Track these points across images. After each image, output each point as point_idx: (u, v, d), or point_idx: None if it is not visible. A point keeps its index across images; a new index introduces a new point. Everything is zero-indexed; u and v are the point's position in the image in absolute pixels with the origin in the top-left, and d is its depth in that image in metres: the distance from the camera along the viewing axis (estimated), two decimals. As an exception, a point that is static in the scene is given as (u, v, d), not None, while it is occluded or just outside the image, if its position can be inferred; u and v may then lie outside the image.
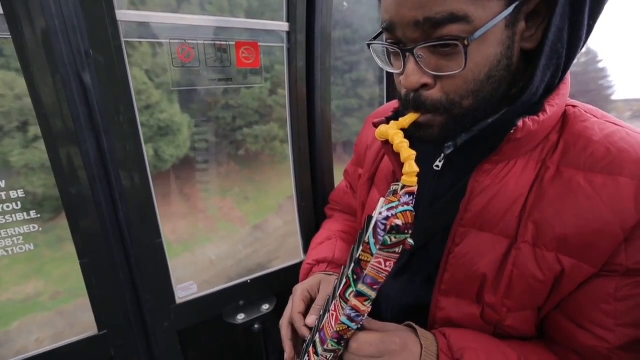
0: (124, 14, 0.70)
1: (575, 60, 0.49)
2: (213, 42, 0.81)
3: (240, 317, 1.01)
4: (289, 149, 1.05)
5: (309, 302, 0.65)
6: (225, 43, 0.83)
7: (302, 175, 1.08)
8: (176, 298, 0.92)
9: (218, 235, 1.08)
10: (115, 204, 0.81)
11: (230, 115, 0.96)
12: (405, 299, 0.60)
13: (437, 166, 0.57)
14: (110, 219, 0.80)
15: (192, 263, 1.03)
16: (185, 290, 0.93)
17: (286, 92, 0.99)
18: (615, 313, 0.45)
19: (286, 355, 0.62)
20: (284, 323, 0.65)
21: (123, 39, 0.71)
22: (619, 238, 0.43)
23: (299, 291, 0.66)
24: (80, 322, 0.83)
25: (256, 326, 1.03)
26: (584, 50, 0.49)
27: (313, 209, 1.13)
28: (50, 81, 0.67)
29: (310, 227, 1.13)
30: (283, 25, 0.91)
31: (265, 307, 1.05)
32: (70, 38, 0.67)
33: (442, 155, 0.57)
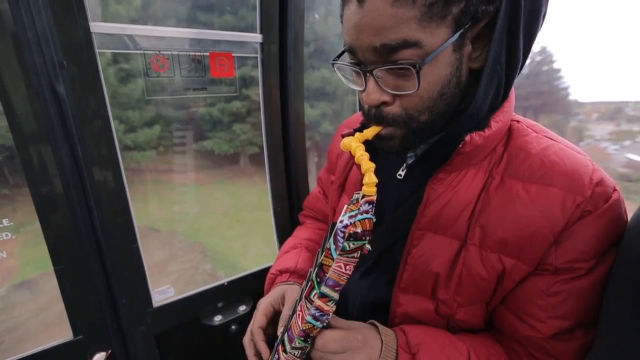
0: (98, 26, 0.71)
1: (528, 61, 0.54)
2: (188, 53, 0.84)
3: (218, 319, 1.03)
4: (264, 156, 1.08)
5: (272, 316, 0.68)
6: (199, 54, 0.85)
7: (276, 180, 1.11)
8: (153, 302, 0.94)
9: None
10: (91, 211, 0.82)
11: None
12: (370, 296, 0.64)
13: (400, 175, 0.62)
14: (85, 225, 0.81)
15: None
16: (162, 293, 0.95)
17: (260, 101, 1.02)
18: (547, 307, 0.50)
19: None
20: (246, 340, 0.67)
21: (97, 50, 0.73)
22: (549, 241, 0.48)
23: (262, 306, 0.69)
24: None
25: (233, 327, 1.06)
26: (538, 49, 0.55)
27: (288, 214, 1.16)
28: (24, 91, 0.68)
29: (285, 231, 1.16)
30: (257, 37, 0.94)
31: (242, 308, 1.08)
32: (43, 49, 0.68)
33: (405, 165, 0.62)
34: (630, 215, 0.49)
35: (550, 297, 0.50)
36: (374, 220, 0.46)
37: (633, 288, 0.44)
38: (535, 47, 0.55)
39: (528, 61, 0.57)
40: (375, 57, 0.47)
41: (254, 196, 1.25)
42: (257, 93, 1.00)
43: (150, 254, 0.98)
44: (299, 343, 0.51)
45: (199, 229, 1.13)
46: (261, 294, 0.74)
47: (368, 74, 0.49)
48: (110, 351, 0.36)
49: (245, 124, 1.12)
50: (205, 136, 1.05)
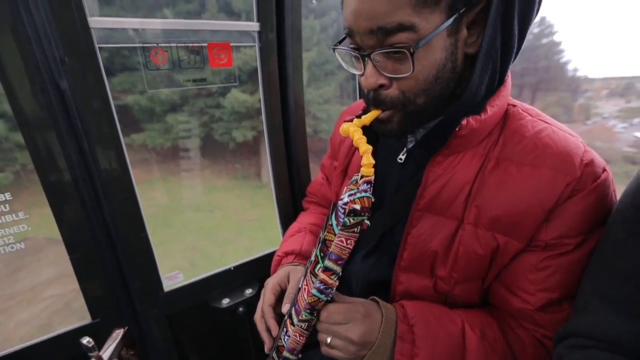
0: (96, 21, 0.72)
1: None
2: (186, 45, 0.84)
3: (225, 302, 1.08)
4: (265, 142, 1.10)
5: (280, 294, 0.71)
6: (198, 45, 0.86)
7: (278, 167, 1.13)
8: (164, 286, 0.98)
9: None
10: (100, 202, 0.85)
11: None
12: (372, 275, 0.67)
13: (400, 159, 0.64)
14: (95, 216, 0.84)
15: None
16: (171, 279, 0.99)
17: (260, 89, 1.03)
18: (536, 280, 0.54)
19: (266, 347, 0.68)
20: (257, 317, 0.71)
21: (97, 45, 0.74)
22: (540, 218, 0.51)
23: (270, 285, 0.72)
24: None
25: (240, 309, 1.10)
26: (537, 19, 0.55)
27: (290, 199, 1.19)
28: (28, 89, 0.69)
29: (288, 216, 1.19)
30: (254, 25, 0.94)
31: (249, 292, 1.12)
32: (44, 46, 0.69)
33: (405, 149, 0.64)
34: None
35: (540, 271, 0.53)
36: (372, 199, 0.49)
37: (608, 273, 0.47)
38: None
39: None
40: (372, 40, 0.48)
41: (196, 194, 1.11)
42: (190, 79, 0.89)
43: (37, 273, 0.77)
44: (305, 316, 0.55)
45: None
46: (267, 278, 0.78)
47: (366, 58, 0.50)
48: (127, 327, 0.39)
49: (180, 114, 0.96)
50: (137, 128, 0.91)
